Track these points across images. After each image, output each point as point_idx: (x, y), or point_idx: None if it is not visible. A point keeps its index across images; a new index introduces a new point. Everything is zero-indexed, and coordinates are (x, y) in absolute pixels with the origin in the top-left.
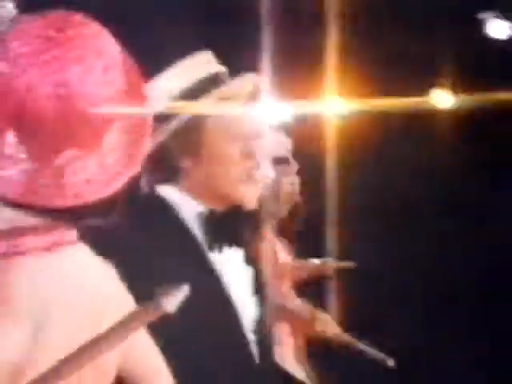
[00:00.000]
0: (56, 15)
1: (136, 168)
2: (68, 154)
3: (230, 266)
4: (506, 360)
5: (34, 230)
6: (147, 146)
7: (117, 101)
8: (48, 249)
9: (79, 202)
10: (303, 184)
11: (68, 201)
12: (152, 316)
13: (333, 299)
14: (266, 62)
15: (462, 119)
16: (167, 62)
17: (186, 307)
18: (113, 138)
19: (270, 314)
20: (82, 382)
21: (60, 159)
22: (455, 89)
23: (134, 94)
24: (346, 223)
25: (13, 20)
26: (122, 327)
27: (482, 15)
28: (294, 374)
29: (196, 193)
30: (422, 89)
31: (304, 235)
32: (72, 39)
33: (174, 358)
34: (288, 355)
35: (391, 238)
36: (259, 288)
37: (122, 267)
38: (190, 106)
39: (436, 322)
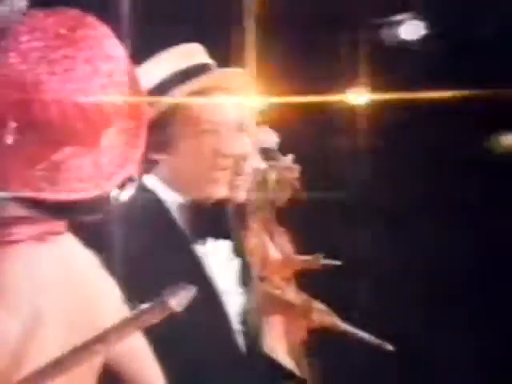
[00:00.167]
0: (68, 14)
1: (131, 168)
2: (66, 150)
3: (216, 257)
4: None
5: (26, 219)
6: (143, 146)
7: (118, 103)
8: (39, 238)
9: (71, 198)
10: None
11: (60, 196)
12: (159, 315)
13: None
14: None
15: (376, 117)
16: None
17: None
18: (109, 138)
19: (257, 305)
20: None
21: (57, 155)
22: (370, 88)
23: (134, 97)
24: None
25: (25, 13)
26: (129, 325)
27: (395, 17)
28: (284, 365)
29: (172, 185)
30: (338, 88)
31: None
32: (82, 40)
33: (160, 350)
34: (279, 346)
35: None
36: (246, 279)
37: (108, 256)
38: (164, 98)
39: (435, 316)
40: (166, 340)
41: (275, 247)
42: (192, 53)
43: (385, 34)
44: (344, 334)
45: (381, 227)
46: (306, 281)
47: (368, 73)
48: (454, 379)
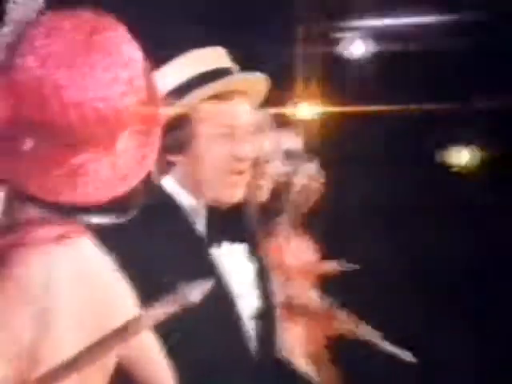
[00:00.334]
0: (86, 16)
1: (146, 170)
2: (84, 154)
3: (231, 260)
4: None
5: (44, 222)
6: (157, 148)
7: (136, 107)
8: (57, 240)
9: (89, 201)
10: None
11: (78, 199)
12: (177, 307)
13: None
14: None
15: (325, 128)
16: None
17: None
18: (125, 141)
19: (272, 309)
20: (85, 372)
21: (75, 159)
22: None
23: (152, 101)
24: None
25: (41, 13)
26: (148, 316)
27: (339, 34)
28: (299, 369)
29: (188, 187)
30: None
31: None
32: (100, 45)
33: (173, 350)
34: (298, 351)
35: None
36: (261, 283)
37: (124, 258)
38: (182, 100)
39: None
40: (179, 342)
41: (296, 252)
42: (213, 56)
43: (333, 49)
44: (366, 343)
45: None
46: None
47: (318, 86)
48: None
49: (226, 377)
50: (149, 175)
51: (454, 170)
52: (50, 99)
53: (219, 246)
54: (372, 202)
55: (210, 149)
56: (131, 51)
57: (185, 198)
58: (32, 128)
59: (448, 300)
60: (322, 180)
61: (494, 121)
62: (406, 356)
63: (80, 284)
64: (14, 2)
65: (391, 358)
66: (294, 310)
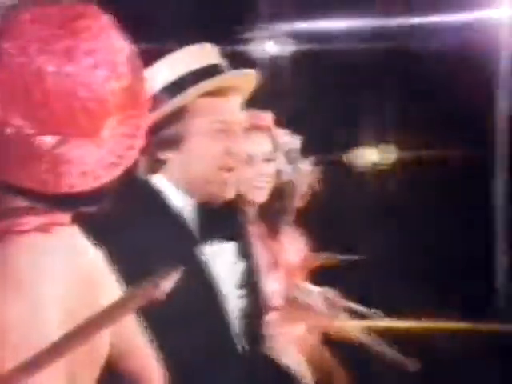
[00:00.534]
0: (69, 4)
1: (131, 160)
2: (68, 142)
3: (221, 259)
4: None
5: (30, 210)
6: (143, 138)
7: (120, 94)
8: (44, 229)
9: (73, 190)
10: None
11: (63, 188)
12: (148, 296)
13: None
14: None
15: None
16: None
17: (173, 298)
18: (111, 129)
19: (261, 307)
20: (76, 359)
21: (59, 147)
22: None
23: (137, 90)
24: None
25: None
26: (120, 305)
27: (247, 34)
28: (288, 368)
29: (179, 184)
30: None
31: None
32: (85, 31)
33: (160, 346)
34: (292, 350)
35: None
36: (251, 282)
37: (112, 251)
38: (177, 98)
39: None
40: (167, 340)
41: (294, 249)
42: (204, 53)
43: (253, 48)
44: (367, 347)
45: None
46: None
47: None
48: None
49: (214, 375)
50: (135, 167)
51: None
52: (32, 86)
53: (209, 244)
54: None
55: (204, 145)
56: (114, 38)
57: (175, 196)
58: (15, 115)
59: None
60: (317, 177)
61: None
62: (410, 363)
63: (67, 273)
64: None
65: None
66: (295, 308)
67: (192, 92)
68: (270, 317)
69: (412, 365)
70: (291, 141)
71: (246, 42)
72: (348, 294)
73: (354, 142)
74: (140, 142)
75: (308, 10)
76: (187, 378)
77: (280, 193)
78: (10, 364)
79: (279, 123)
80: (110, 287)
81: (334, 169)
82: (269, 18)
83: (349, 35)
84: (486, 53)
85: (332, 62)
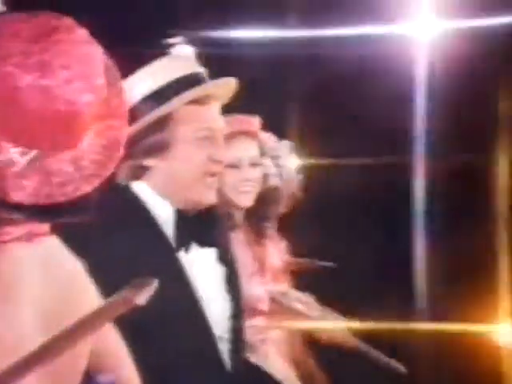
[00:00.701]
0: (45, 17)
1: (110, 171)
2: (45, 155)
3: (200, 265)
4: None
5: (12, 221)
6: (122, 149)
7: (97, 107)
8: (25, 239)
9: (51, 201)
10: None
11: (40, 199)
12: (124, 307)
13: None
14: None
15: None
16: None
17: (153, 305)
18: (89, 141)
19: (242, 312)
20: (57, 368)
21: (37, 161)
22: None
23: (115, 101)
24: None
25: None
26: (99, 315)
27: (169, 39)
28: (271, 372)
29: (162, 191)
30: None
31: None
32: (60, 44)
33: (139, 354)
34: (273, 354)
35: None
36: (231, 287)
37: (91, 260)
38: (160, 105)
39: None
40: (146, 348)
41: (275, 254)
42: (186, 61)
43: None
44: (356, 351)
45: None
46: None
47: None
48: None
49: (194, 380)
50: (114, 177)
51: None
52: (7, 100)
53: (188, 250)
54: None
55: (189, 152)
56: (90, 50)
57: (155, 203)
58: None
59: None
60: (299, 184)
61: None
62: (397, 365)
63: (46, 282)
64: None
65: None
66: (280, 312)
67: (178, 100)
68: (255, 322)
69: (399, 367)
70: (278, 145)
71: (165, 47)
72: None
73: None
74: (119, 154)
75: (229, 17)
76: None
77: (266, 197)
78: None
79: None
80: (89, 297)
81: None
82: (189, 25)
83: (270, 43)
84: (405, 64)
85: (249, 69)
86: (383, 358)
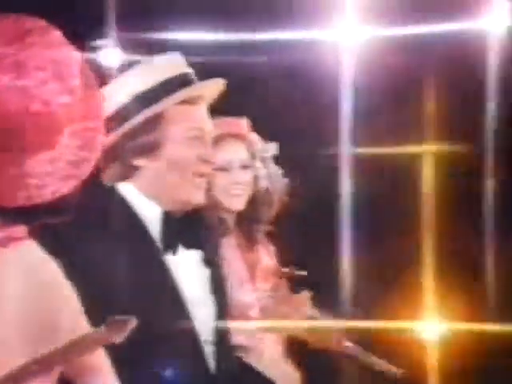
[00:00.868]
0: (20, 20)
1: (88, 172)
2: (22, 156)
3: (186, 267)
4: None
5: None
6: (100, 149)
7: (73, 107)
8: (1, 243)
9: (28, 202)
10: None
11: (17, 201)
12: (99, 345)
13: None
14: None
15: None
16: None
17: (138, 307)
18: (66, 142)
19: (227, 314)
20: None
21: (14, 161)
22: None
23: (91, 102)
24: None
25: None
26: (70, 351)
27: (96, 42)
28: (265, 374)
29: (150, 192)
30: None
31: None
32: (35, 46)
33: (124, 361)
34: (270, 352)
35: None
36: (217, 290)
37: (75, 262)
38: (151, 105)
39: None
40: (131, 351)
41: (266, 258)
42: (174, 62)
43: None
44: (349, 356)
45: None
46: None
47: None
48: None
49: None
50: (99, 178)
51: None
52: None
53: (174, 252)
54: None
55: (179, 152)
56: (65, 52)
57: (141, 204)
58: None
59: None
60: (286, 188)
61: None
62: (389, 368)
63: (24, 288)
64: None
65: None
66: (270, 316)
67: (169, 100)
68: (247, 326)
69: (394, 371)
70: (267, 147)
71: (94, 49)
72: None
73: None
74: (96, 155)
75: (160, 20)
76: None
77: (257, 200)
78: None
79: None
80: (69, 304)
81: None
82: (117, 26)
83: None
84: (331, 70)
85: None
86: (375, 361)
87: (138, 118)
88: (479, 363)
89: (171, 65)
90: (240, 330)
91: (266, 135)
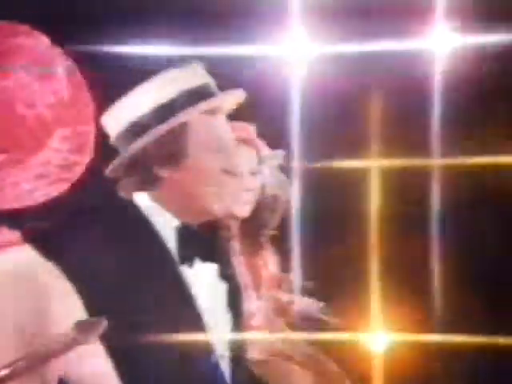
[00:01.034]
0: (2, 24)
1: (77, 175)
2: (10, 158)
3: (203, 279)
4: None
5: None
6: (90, 153)
7: (60, 110)
8: None
9: (19, 205)
10: None
11: (7, 204)
12: (70, 346)
13: None
14: None
15: None
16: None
17: (155, 320)
18: (56, 146)
19: (243, 327)
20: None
21: (3, 166)
22: None
23: (80, 105)
24: None
25: None
26: (40, 354)
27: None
28: None
29: (171, 204)
30: None
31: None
32: (18, 48)
33: (137, 369)
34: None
35: None
36: (233, 302)
37: (90, 274)
38: (175, 116)
39: None
40: (149, 365)
41: (269, 266)
42: (196, 72)
43: None
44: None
45: None
46: None
47: None
48: None
49: None
50: (115, 186)
51: None
52: None
53: (191, 265)
54: None
55: (201, 162)
56: (51, 54)
57: (159, 215)
58: None
59: None
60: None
61: None
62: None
63: (17, 294)
64: None
65: None
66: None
67: (192, 111)
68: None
69: None
70: (274, 153)
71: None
72: None
73: None
74: (87, 158)
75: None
76: None
77: (264, 207)
78: None
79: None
80: (68, 306)
81: None
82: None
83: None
84: (281, 87)
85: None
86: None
87: (163, 128)
88: (424, 374)
89: (193, 75)
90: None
91: None
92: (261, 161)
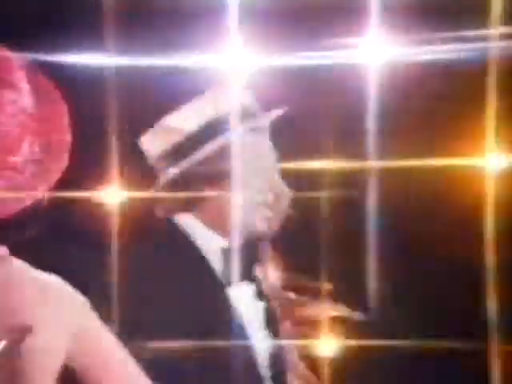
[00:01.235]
0: None
1: (52, 183)
2: None
3: (245, 299)
4: None
5: None
6: (65, 162)
7: (29, 119)
8: None
9: None
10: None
11: None
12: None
13: None
14: None
15: None
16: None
17: (204, 342)
18: (27, 155)
19: (282, 347)
20: (30, 363)
21: None
22: None
23: (51, 116)
24: None
25: None
26: None
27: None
28: None
29: (212, 223)
30: None
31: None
32: None
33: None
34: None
35: None
36: (271, 321)
37: (136, 296)
38: (219, 136)
39: None
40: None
41: (272, 274)
42: (241, 91)
43: None
44: None
45: None
46: None
47: None
48: None
49: None
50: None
51: None
52: None
53: (234, 285)
54: None
55: (246, 181)
56: (9, 64)
57: (203, 235)
58: None
59: None
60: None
61: None
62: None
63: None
64: None
65: None
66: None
67: (238, 130)
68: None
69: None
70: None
71: None
72: None
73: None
74: (62, 165)
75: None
76: None
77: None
78: None
79: None
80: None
81: None
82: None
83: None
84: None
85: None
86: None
87: (211, 147)
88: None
89: (238, 93)
90: None
91: None
92: None
